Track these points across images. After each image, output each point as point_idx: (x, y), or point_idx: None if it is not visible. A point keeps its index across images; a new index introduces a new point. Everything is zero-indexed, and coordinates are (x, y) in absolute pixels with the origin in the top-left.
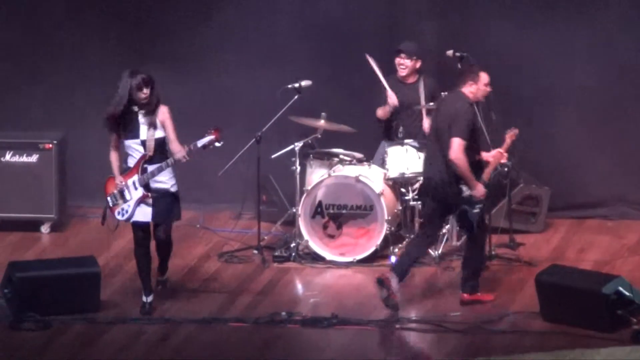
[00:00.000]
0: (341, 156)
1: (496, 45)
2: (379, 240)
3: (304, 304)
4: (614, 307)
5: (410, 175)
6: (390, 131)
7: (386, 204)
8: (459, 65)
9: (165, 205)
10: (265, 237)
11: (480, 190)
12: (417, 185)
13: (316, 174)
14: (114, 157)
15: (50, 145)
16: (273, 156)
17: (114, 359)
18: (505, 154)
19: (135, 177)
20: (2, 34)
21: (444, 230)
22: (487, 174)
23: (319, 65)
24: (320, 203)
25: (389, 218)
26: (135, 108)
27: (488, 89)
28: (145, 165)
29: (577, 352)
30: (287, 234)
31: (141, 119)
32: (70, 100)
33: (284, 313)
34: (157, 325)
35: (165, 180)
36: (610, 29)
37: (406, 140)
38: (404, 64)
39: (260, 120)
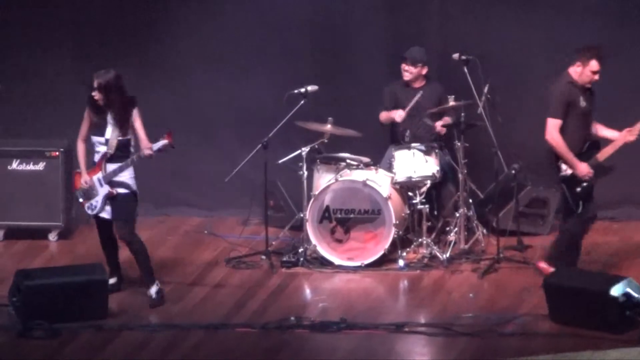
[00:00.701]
0: (348, 161)
1: (504, 46)
2: (386, 244)
3: (312, 308)
4: (622, 308)
5: (418, 178)
6: (397, 135)
7: (393, 208)
8: (465, 69)
9: (124, 203)
10: (273, 243)
11: (582, 169)
12: (424, 189)
13: (323, 179)
14: (81, 149)
15: (57, 153)
16: (280, 161)
17: None
18: (634, 132)
19: (100, 174)
20: (8, 41)
21: (452, 235)
22: (604, 153)
23: (325, 69)
24: (327, 208)
25: (397, 222)
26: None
27: (595, 77)
28: (107, 164)
29: (586, 354)
30: (294, 239)
31: (109, 118)
32: (76, 109)
33: (292, 318)
34: (165, 332)
35: (126, 179)
36: (615, 27)
37: (413, 144)
38: (409, 71)
39: (267, 125)
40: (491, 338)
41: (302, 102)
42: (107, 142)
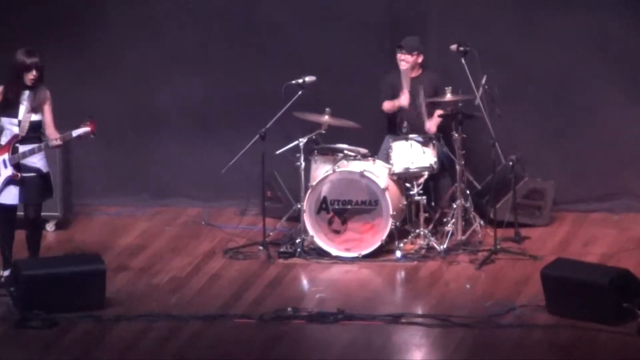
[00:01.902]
0: (346, 152)
1: (502, 39)
2: (384, 235)
3: (309, 299)
4: (619, 300)
5: (415, 170)
6: (394, 126)
7: (391, 199)
8: (463, 60)
9: (36, 185)
10: (271, 233)
11: None
12: (421, 180)
13: (321, 170)
14: None
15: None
16: (277, 152)
17: (120, 357)
18: None
19: (6, 156)
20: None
21: (449, 226)
22: None
23: (323, 60)
24: (325, 199)
25: (394, 213)
26: (21, 87)
27: None
28: (17, 145)
29: (585, 346)
30: (292, 229)
31: (23, 99)
32: (74, 100)
33: (289, 309)
34: (163, 322)
35: (36, 161)
36: (612, 22)
37: (411, 135)
38: (405, 59)
39: (264, 116)
40: (488, 329)
41: (300, 92)
42: (19, 123)
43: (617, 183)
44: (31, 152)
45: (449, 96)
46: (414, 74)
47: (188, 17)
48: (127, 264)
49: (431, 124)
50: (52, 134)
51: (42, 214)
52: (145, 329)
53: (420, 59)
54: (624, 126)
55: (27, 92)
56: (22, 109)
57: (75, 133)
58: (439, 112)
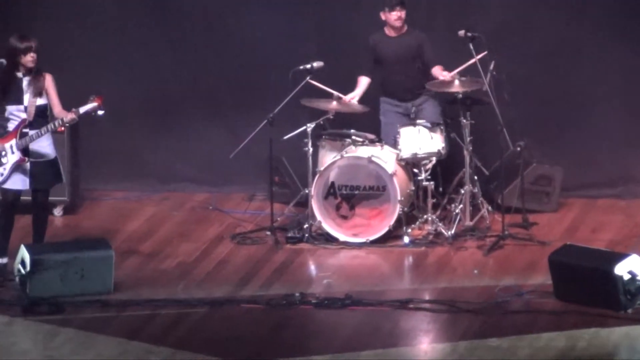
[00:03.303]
0: (353, 137)
1: (511, 23)
2: (392, 220)
3: (317, 284)
4: (627, 285)
5: (423, 155)
6: (388, 86)
7: (399, 184)
8: (471, 46)
9: (46, 171)
10: (278, 219)
11: None
12: (429, 166)
13: (328, 155)
14: None
15: (63, 129)
16: (285, 137)
17: (127, 342)
18: None
19: (13, 142)
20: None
21: (457, 210)
22: None
23: (331, 45)
24: (332, 184)
25: (402, 198)
26: (20, 74)
27: None
28: (25, 130)
29: (592, 332)
30: (299, 215)
31: (25, 85)
32: (82, 85)
33: (297, 294)
34: (171, 307)
35: (44, 146)
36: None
37: (418, 121)
38: (401, 17)
39: (272, 102)
40: (496, 315)
41: (307, 78)
42: (25, 110)
43: (624, 169)
44: (38, 135)
45: (457, 83)
46: (402, 31)
47: (197, 4)
48: (134, 249)
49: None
50: (61, 113)
51: (50, 198)
52: (152, 314)
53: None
54: (632, 112)
55: (27, 79)
56: (26, 95)
57: (83, 109)
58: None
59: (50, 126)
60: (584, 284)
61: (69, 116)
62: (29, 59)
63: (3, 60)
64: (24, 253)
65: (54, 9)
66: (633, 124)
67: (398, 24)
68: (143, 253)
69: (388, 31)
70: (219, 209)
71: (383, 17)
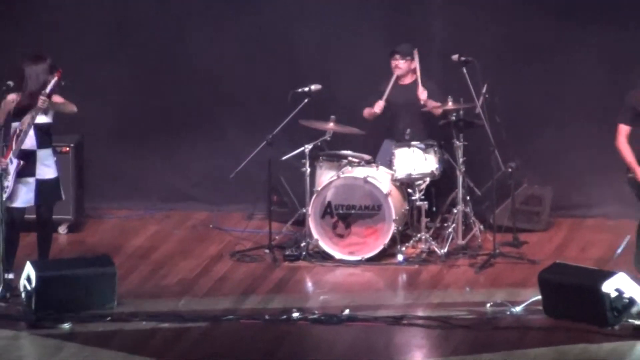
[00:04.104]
0: (350, 158)
1: (503, 47)
2: (386, 239)
3: (314, 301)
4: (614, 303)
5: (417, 175)
6: (392, 130)
7: (393, 204)
8: (464, 70)
9: (49, 187)
10: (277, 237)
11: (638, 175)
12: (423, 186)
13: (325, 175)
14: None
15: (67, 149)
16: (284, 158)
17: (130, 356)
18: None
19: (11, 153)
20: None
21: (450, 229)
22: None
23: (328, 69)
24: (329, 203)
25: (396, 218)
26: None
27: None
28: (16, 138)
29: (580, 347)
30: (297, 233)
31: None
32: (87, 106)
33: (294, 310)
34: (172, 322)
35: (49, 165)
36: (613, 31)
37: (413, 142)
38: (398, 65)
39: (271, 123)
40: (487, 331)
41: (305, 100)
42: (21, 123)
43: (611, 190)
44: (25, 134)
45: (450, 104)
46: (408, 80)
47: (200, 25)
48: (137, 265)
49: (423, 94)
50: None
51: (55, 217)
52: (154, 329)
53: (413, 65)
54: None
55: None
56: (32, 113)
57: (48, 88)
58: (436, 109)
59: (30, 118)
60: (572, 301)
61: (40, 100)
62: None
63: (10, 82)
64: (29, 269)
65: (50, 34)
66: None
67: (397, 72)
68: (145, 269)
69: (398, 79)
70: (219, 227)
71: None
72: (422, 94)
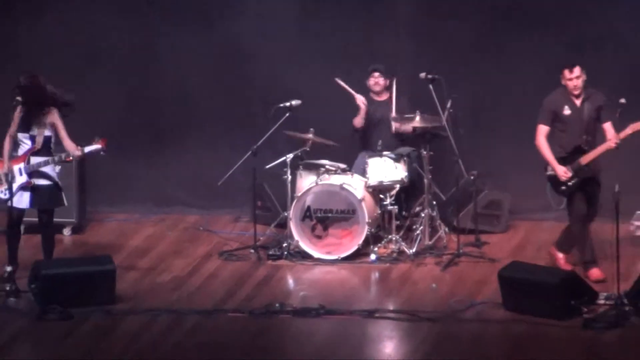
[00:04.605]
0: (327, 166)
1: (467, 67)
2: (360, 240)
3: (294, 296)
4: (567, 298)
5: (388, 183)
6: (367, 143)
7: (367, 208)
8: (431, 87)
9: (48, 193)
10: (261, 238)
11: (559, 171)
12: (393, 192)
13: (305, 182)
14: (7, 143)
15: (71, 159)
16: (267, 167)
17: (128, 347)
18: (616, 140)
19: (22, 165)
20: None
21: (418, 231)
22: (586, 157)
23: (308, 86)
24: (309, 208)
25: (370, 221)
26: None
27: (571, 83)
28: (31, 157)
29: (537, 339)
30: (279, 235)
31: (35, 118)
32: (88, 119)
33: (277, 304)
34: (166, 316)
35: (47, 170)
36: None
37: (384, 153)
38: (378, 82)
39: (256, 135)
40: (451, 323)
41: (287, 114)
42: (32, 138)
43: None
44: (45, 163)
45: (418, 117)
46: (384, 96)
47: (191, 46)
48: (134, 264)
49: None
50: (70, 146)
51: (60, 220)
52: (150, 322)
53: (387, 82)
54: None
55: (39, 112)
56: (36, 126)
57: (88, 149)
58: (405, 127)
59: (57, 158)
60: (529, 296)
61: (77, 153)
62: (18, 97)
63: (19, 98)
64: (36, 269)
65: (56, 48)
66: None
67: (376, 88)
68: (142, 268)
69: (372, 95)
70: (208, 229)
71: (367, 82)
72: (394, 125)
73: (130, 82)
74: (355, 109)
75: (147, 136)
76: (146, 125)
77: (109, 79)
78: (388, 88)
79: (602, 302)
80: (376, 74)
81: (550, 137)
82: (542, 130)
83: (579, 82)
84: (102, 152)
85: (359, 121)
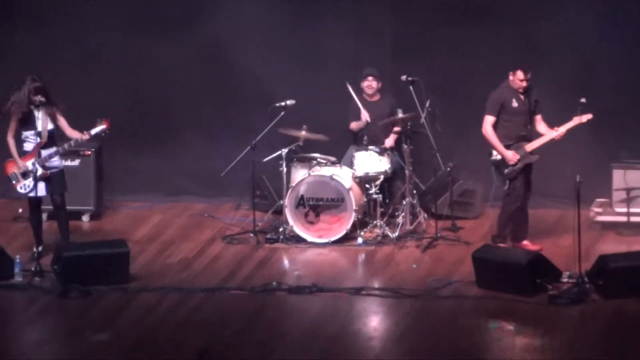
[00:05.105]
0: (319, 159)
1: (443, 69)
2: (348, 225)
3: (290, 276)
4: (533, 276)
5: (373, 174)
6: (356, 139)
7: (354, 197)
8: (411, 88)
9: (58, 179)
10: (259, 224)
11: (507, 155)
12: (378, 182)
13: (299, 174)
14: (12, 143)
15: (89, 152)
16: (265, 160)
17: (141, 320)
18: (560, 131)
19: (33, 160)
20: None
21: (400, 218)
22: (531, 145)
23: (301, 87)
24: (302, 197)
25: (357, 208)
26: (31, 106)
27: (522, 84)
28: (40, 150)
29: (506, 312)
30: (276, 221)
31: (37, 114)
32: (105, 117)
33: (274, 283)
34: (175, 293)
35: (56, 160)
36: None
37: (370, 147)
38: (372, 85)
39: (254, 131)
40: (430, 300)
41: (282, 113)
42: (39, 134)
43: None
44: (56, 154)
45: (400, 114)
46: (376, 98)
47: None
48: (146, 247)
49: (389, 140)
50: (73, 134)
51: (79, 207)
52: (160, 299)
53: (380, 85)
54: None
55: (41, 109)
56: (39, 122)
57: (94, 131)
58: (396, 129)
59: (65, 146)
60: (500, 275)
61: (85, 137)
62: (38, 97)
63: (42, 99)
64: (58, 251)
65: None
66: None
67: (369, 91)
68: (153, 251)
69: (365, 96)
70: (212, 216)
71: (361, 84)
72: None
73: (139, 85)
74: (356, 113)
75: (157, 133)
76: (156, 123)
77: (117, 80)
78: (379, 90)
79: (565, 280)
80: (370, 77)
81: (494, 127)
82: (489, 120)
83: (528, 83)
84: (106, 132)
85: (355, 127)
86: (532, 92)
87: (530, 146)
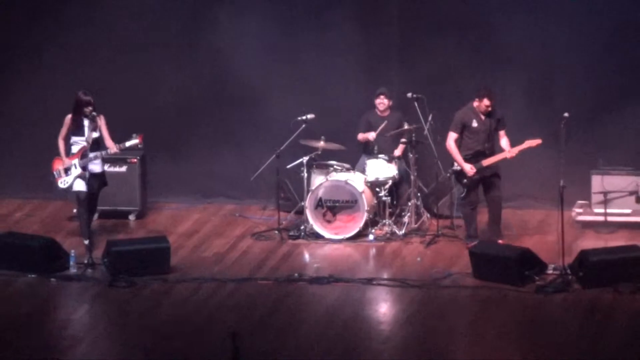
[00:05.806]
0: (335, 166)
1: (443, 88)
2: (361, 224)
3: (310, 268)
4: (523, 269)
5: (383, 179)
6: (367, 149)
7: (366, 199)
8: (416, 104)
9: (97, 180)
10: (283, 222)
11: (466, 168)
12: (387, 186)
13: (318, 179)
14: (62, 144)
15: (135, 160)
16: (288, 167)
17: (180, 307)
18: (512, 152)
19: (77, 161)
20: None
21: (406, 217)
22: (487, 161)
23: (320, 103)
24: (320, 199)
25: (368, 209)
26: (82, 116)
27: (488, 109)
28: (85, 153)
29: (499, 300)
30: (298, 220)
31: (85, 123)
32: (147, 132)
33: (296, 274)
34: (209, 283)
35: (96, 164)
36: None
37: (380, 155)
38: (384, 103)
39: (279, 141)
40: (432, 289)
41: (303, 126)
42: (85, 140)
43: (520, 188)
44: (95, 157)
45: (407, 126)
46: (386, 113)
47: (226, 53)
48: (184, 243)
49: (398, 150)
50: (110, 145)
51: (126, 208)
52: (197, 288)
53: (391, 102)
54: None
55: (87, 120)
56: (86, 130)
57: (128, 144)
58: (403, 140)
59: (101, 153)
60: (493, 268)
61: (114, 149)
62: (88, 109)
63: (94, 112)
64: (108, 246)
65: (101, 62)
66: (526, 155)
67: (381, 107)
68: (190, 246)
69: (377, 111)
70: (242, 215)
71: (375, 101)
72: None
73: (180, 100)
74: (366, 127)
75: (194, 143)
76: (195, 134)
77: (164, 96)
78: (389, 107)
79: (550, 272)
80: (382, 96)
81: (457, 142)
82: (452, 136)
83: (490, 109)
84: (139, 146)
85: (361, 138)
86: (494, 113)
87: (487, 161)
